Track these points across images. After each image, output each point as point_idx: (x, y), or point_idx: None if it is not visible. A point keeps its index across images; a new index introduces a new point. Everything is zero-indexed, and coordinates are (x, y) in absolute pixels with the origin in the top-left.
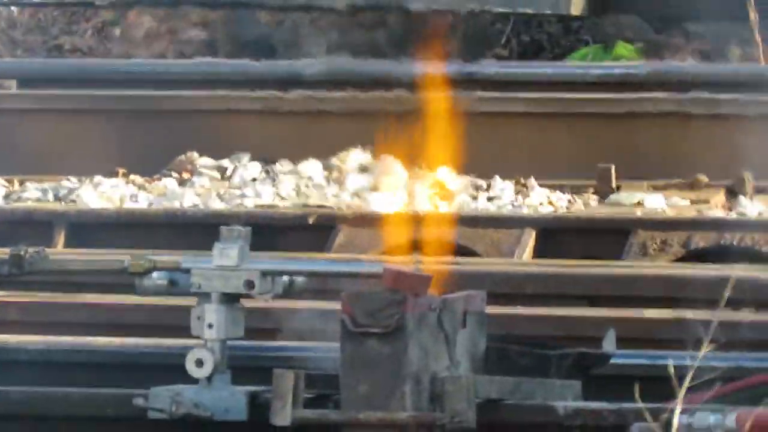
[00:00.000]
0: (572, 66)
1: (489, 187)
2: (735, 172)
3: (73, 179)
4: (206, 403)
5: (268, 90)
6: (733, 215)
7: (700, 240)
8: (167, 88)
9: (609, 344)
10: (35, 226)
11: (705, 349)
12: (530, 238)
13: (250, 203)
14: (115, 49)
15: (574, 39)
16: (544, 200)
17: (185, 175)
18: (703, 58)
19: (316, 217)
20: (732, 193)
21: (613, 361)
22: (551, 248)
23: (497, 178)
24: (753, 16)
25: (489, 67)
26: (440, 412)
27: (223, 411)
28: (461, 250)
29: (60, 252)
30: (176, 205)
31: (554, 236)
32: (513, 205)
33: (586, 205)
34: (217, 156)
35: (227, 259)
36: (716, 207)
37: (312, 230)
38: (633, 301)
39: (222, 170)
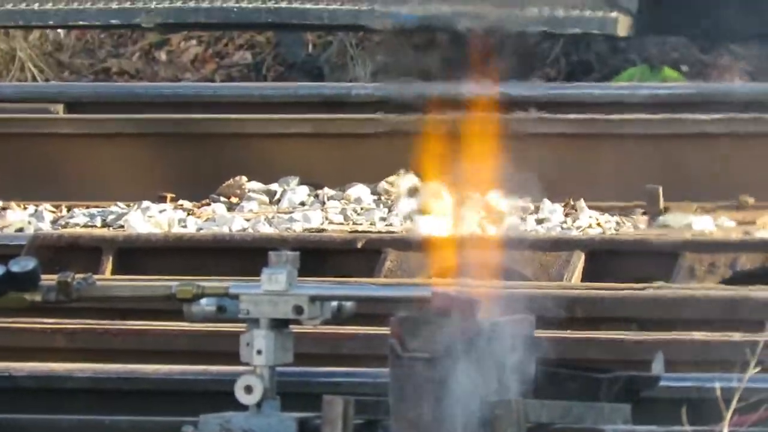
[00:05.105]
0: (620, 87)
1: (538, 209)
2: None
3: (121, 204)
4: (256, 429)
5: (315, 113)
6: None
7: (747, 261)
8: (215, 111)
9: (658, 367)
10: (83, 252)
11: (752, 370)
12: (579, 261)
13: (298, 227)
14: (162, 72)
15: (621, 59)
16: (593, 222)
17: (234, 200)
18: (749, 79)
19: (365, 242)
20: None
21: (662, 383)
22: (600, 271)
23: (546, 200)
24: None
25: (537, 88)
26: None
27: None
28: (510, 274)
29: (108, 278)
30: (225, 229)
31: (603, 259)
32: (562, 227)
33: (634, 227)
34: (265, 180)
35: (276, 284)
36: (763, 228)
37: (361, 254)
38: (682, 324)
39: (270, 194)
